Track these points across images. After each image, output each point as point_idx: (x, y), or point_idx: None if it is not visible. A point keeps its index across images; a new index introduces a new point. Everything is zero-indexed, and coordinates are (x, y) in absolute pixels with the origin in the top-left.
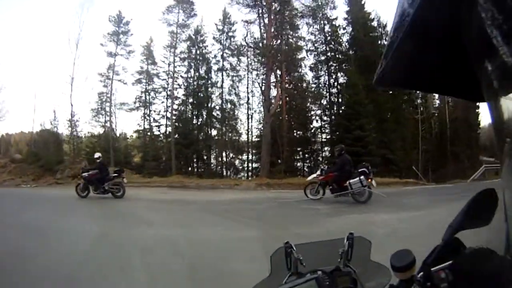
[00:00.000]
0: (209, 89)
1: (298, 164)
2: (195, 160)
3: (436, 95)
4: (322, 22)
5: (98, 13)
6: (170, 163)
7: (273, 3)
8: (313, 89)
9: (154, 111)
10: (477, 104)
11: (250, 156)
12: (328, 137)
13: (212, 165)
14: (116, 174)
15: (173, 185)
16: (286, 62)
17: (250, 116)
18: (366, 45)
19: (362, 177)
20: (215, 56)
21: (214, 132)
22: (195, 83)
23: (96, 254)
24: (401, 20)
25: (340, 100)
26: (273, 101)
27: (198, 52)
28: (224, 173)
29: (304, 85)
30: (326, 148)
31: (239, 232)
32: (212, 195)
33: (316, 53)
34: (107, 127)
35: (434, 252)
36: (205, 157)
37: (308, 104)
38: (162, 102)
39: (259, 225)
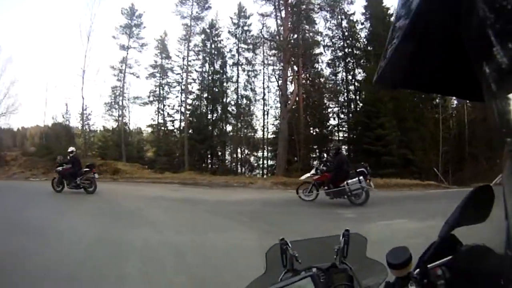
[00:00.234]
0: (224, 84)
1: (315, 162)
2: (209, 156)
3: None
4: (339, 17)
5: (110, 6)
6: (183, 158)
7: None
8: (330, 85)
9: (168, 106)
10: None
11: (265, 153)
12: (345, 135)
13: (226, 161)
14: (87, 169)
15: (185, 182)
16: (303, 57)
17: (266, 112)
18: (385, 41)
19: (361, 177)
20: (230, 51)
21: (229, 128)
22: (210, 77)
23: (90, 261)
24: (401, 20)
25: (358, 97)
26: (290, 96)
27: (213, 46)
28: (239, 170)
29: (322, 80)
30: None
31: (253, 241)
32: (225, 194)
33: (333, 48)
34: (120, 121)
35: (431, 248)
36: (219, 153)
37: (325, 101)
38: (177, 96)
39: (278, 232)
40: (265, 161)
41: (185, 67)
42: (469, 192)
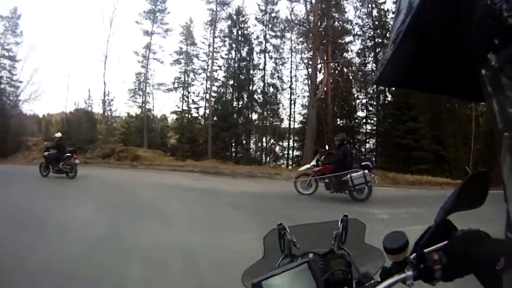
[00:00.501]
0: (251, 71)
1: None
2: (233, 144)
3: None
4: (369, 5)
5: None
6: (206, 146)
7: None
8: (359, 76)
9: (193, 93)
10: None
11: (291, 143)
12: (374, 128)
13: (251, 150)
14: (69, 154)
15: (207, 170)
16: (333, 45)
17: (293, 102)
18: None
19: (366, 171)
20: (257, 37)
21: (254, 116)
22: (236, 64)
23: (88, 261)
24: (401, 20)
25: (387, 89)
26: (319, 85)
27: (239, 32)
28: (263, 160)
29: (351, 69)
30: (371, 141)
31: None
32: (248, 185)
33: (363, 38)
34: (143, 107)
35: (426, 234)
36: (244, 142)
37: (354, 91)
38: (202, 83)
39: None
40: (290, 152)
41: (210, 54)
42: (466, 178)
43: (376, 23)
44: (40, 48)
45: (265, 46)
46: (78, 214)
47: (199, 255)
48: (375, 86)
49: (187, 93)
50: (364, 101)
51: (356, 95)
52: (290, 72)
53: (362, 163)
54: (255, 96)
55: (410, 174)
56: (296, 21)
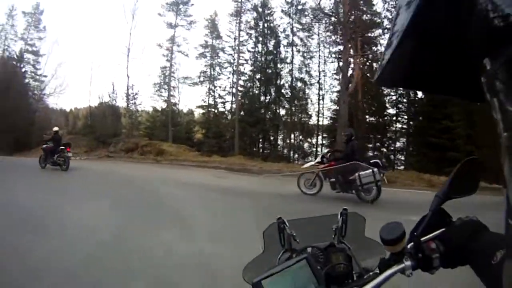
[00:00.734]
0: (278, 65)
1: (370, 153)
2: (260, 140)
3: None
4: None
5: None
6: (233, 141)
7: None
8: None
9: (219, 87)
10: None
11: (320, 140)
12: (404, 126)
13: (279, 147)
14: (63, 147)
15: (233, 167)
16: (362, 38)
17: (322, 97)
18: None
19: (375, 169)
20: (284, 30)
21: (282, 112)
22: (262, 58)
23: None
24: (400, 19)
25: None
26: (351, 78)
27: (265, 25)
28: (291, 157)
29: None
30: (401, 139)
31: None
32: (277, 186)
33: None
34: (168, 101)
35: (422, 222)
36: (271, 138)
37: (384, 87)
38: (228, 77)
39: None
40: (319, 149)
41: (236, 47)
42: (458, 165)
43: None
44: (64, 42)
45: (292, 40)
46: (78, 214)
47: (219, 269)
48: None
49: (213, 87)
50: (394, 97)
51: (386, 91)
52: (318, 66)
53: (371, 161)
54: (282, 90)
55: (445, 176)
56: (324, 12)
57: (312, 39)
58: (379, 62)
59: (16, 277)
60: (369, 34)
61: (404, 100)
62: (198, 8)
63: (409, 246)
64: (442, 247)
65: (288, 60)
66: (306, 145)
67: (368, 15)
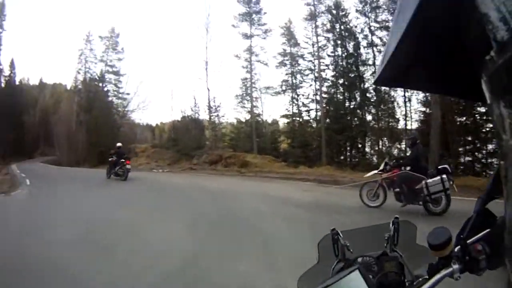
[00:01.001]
0: (360, 67)
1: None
2: (348, 148)
3: None
4: None
5: None
6: (319, 150)
7: None
8: None
9: (302, 95)
10: None
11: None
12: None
13: (367, 154)
14: (123, 160)
15: (321, 178)
16: None
17: (408, 99)
18: None
19: (444, 176)
20: (362, 31)
21: (368, 117)
22: (343, 62)
23: None
24: (400, 19)
25: None
26: None
27: (342, 27)
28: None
29: None
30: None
31: None
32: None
33: None
34: (251, 112)
35: (467, 225)
36: (359, 145)
37: None
38: (310, 85)
39: None
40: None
41: (315, 53)
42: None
43: None
44: (143, 61)
45: (372, 39)
46: (150, 236)
47: None
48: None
49: (296, 96)
50: None
51: None
52: None
53: (439, 167)
54: (367, 94)
55: None
56: None
57: None
58: (379, 62)
59: None
60: None
61: None
62: (271, 16)
63: (456, 249)
64: (488, 248)
65: (370, 62)
66: (395, 151)
67: None
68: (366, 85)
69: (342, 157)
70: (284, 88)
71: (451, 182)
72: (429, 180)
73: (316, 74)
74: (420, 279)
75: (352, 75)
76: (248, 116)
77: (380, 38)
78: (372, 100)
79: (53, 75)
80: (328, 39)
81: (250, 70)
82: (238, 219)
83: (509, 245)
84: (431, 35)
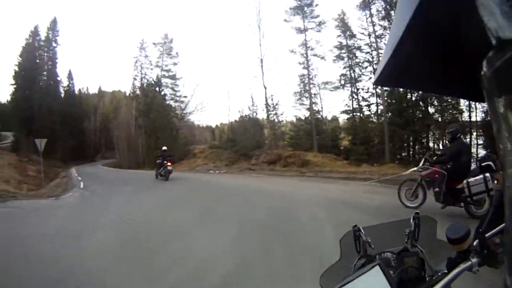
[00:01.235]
0: None
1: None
2: (411, 143)
3: None
4: None
5: None
6: (382, 146)
7: None
8: None
9: (362, 89)
10: None
11: (474, 139)
12: None
13: (431, 150)
14: (165, 162)
15: (387, 178)
16: None
17: None
18: None
19: (487, 174)
20: None
21: (431, 110)
22: None
23: None
24: (400, 19)
25: None
26: None
27: None
28: None
29: None
30: None
31: None
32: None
33: None
34: (310, 108)
35: (486, 218)
36: (423, 141)
37: None
38: (370, 77)
39: None
40: (473, 149)
41: (373, 44)
42: None
43: None
44: (198, 64)
45: None
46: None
47: None
48: None
49: (355, 90)
50: None
51: None
52: None
53: (482, 164)
54: None
55: None
56: None
57: None
58: (379, 62)
59: None
60: None
61: None
62: (324, 8)
63: (474, 243)
64: None
65: None
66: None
67: None
68: None
69: (405, 154)
70: (343, 82)
71: (496, 181)
72: (471, 179)
73: (375, 66)
74: (439, 273)
75: None
76: (307, 113)
77: None
78: None
79: (111, 83)
80: (384, 28)
81: (307, 65)
82: (297, 231)
83: (509, 247)
84: (431, 35)
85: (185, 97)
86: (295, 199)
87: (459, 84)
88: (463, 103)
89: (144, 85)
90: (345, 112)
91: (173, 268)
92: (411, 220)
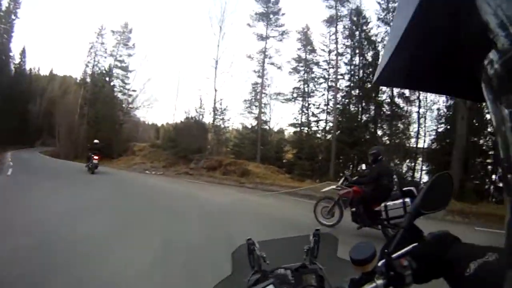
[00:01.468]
0: None
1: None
2: (355, 162)
3: None
4: None
5: None
6: (328, 163)
7: None
8: None
9: (313, 104)
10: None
11: (419, 165)
12: None
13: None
14: (91, 155)
15: (332, 196)
16: None
17: (423, 116)
18: None
19: (407, 200)
20: (382, 40)
21: (380, 132)
22: (360, 72)
23: None
24: (400, 19)
25: None
26: None
27: (362, 35)
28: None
29: None
30: None
31: None
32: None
33: None
34: (258, 118)
35: (394, 240)
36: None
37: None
38: (323, 94)
39: None
40: (417, 174)
41: (331, 61)
42: (429, 180)
43: None
44: (153, 58)
45: None
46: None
47: None
48: None
49: (306, 105)
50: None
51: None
52: None
53: (404, 188)
54: (383, 108)
55: None
56: None
57: None
58: (379, 62)
59: None
60: None
61: None
62: (289, 18)
63: (380, 264)
64: (414, 263)
65: None
66: (404, 168)
67: None
68: (384, 96)
69: (348, 172)
70: (295, 95)
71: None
72: (389, 203)
73: (330, 83)
74: None
75: (369, 86)
76: (254, 122)
77: None
78: (387, 113)
79: (64, 67)
80: (346, 47)
81: (262, 73)
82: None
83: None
84: (431, 35)
85: (134, 91)
86: (228, 215)
87: (459, 84)
88: (411, 128)
89: (96, 73)
90: (293, 125)
91: None
92: (311, 237)
